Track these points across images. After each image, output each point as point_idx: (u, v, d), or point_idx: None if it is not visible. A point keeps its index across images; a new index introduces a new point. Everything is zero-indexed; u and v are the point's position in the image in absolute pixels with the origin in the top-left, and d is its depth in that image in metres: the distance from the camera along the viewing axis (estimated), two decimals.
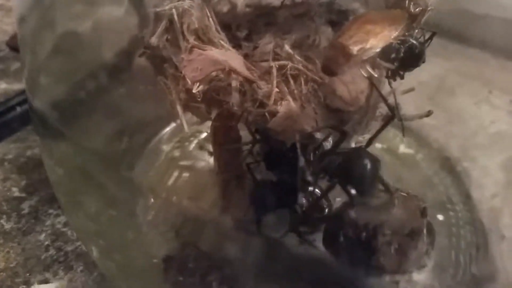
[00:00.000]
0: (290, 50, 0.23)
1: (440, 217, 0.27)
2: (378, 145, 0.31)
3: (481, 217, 0.28)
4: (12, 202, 0.31)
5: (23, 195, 0.32)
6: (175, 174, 0.28)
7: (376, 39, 0.18)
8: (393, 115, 0.21)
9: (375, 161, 0.20)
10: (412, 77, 0.31)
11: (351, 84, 0.23)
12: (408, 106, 0.29)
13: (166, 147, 0.30)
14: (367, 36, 0.18)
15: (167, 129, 0.30)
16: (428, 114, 0.25)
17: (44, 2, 0.25)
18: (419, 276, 0.22)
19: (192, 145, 0.30)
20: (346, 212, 0.21)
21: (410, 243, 0.21)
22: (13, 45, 0.48)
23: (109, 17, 0.28)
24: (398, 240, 0.20)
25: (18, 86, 0.41)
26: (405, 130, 0.32)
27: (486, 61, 0.31)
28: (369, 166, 0.19)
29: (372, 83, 0.21)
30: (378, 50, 0.19)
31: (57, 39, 0.25)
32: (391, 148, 0.31)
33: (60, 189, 0.26)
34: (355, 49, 0.18)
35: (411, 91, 0.27)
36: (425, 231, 0.22)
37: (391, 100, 0.24)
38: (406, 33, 0.20)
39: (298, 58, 0.23)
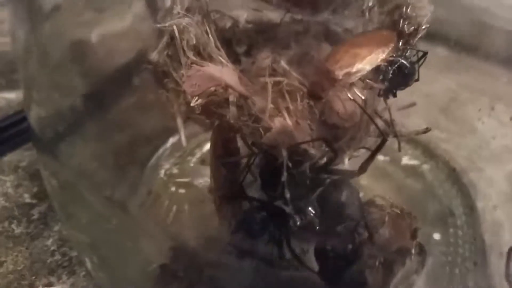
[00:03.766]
0: (286, 66, 0.24)
1: (437, 236, 0.28)
2: (380, 157, 0.32)
3: (482, 232, 0.28)
4: (23, 207, 0.33)
5: (34, 201, 0.33)
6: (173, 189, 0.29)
7: (362, 62, 0.19)
8: (384, 139, 0.21)
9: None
10: (425, 89, 0.31)
11: (347, 101, 0.24)
12: (419, 118, 0.30)
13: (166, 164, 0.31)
14: (354, 59, 0.19)
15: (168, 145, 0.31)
16: (426, 131, 0.25)
17: (36, 17, 0.26)
18: None
19: (193, 160, 0.31)
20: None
21: (396, 261, 0.21)
22: None
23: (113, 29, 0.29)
24: (384, 257, 0.21)
25: None
26: (413, 143, 0.33)
27: (498, 76, 0.31)
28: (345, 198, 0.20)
29: (360, 106, 0.21)
30: (364, 73, 0.19)
31: (48, 53, 0.26)
32: (394, 160, 0.32)
33: (55, 200, 0.27)
34: (340, 73, 0.19)
35: (412, 106, 0.27)
36: (413, 251, 0.22)
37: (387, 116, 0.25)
38: (395, 54, 0.20)
39: (294, 74, 0.24)
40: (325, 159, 0.23)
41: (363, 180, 0.30)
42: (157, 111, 0.27)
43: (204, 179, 0.29)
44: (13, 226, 0.31)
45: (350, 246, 0.21)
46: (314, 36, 0.26)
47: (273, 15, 0.27)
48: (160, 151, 0.31)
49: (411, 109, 0.33)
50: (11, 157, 0.36)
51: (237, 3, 0.28)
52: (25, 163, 0.36)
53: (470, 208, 0.29)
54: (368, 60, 0.19)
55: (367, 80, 0.21)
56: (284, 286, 0.23)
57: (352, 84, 0.20)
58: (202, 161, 0.31)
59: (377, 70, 0.20)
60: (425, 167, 0.31)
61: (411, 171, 0.31)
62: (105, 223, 0.23)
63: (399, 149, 0.25)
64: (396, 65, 0.20)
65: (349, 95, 0.20)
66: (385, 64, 0.20)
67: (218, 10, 0.26)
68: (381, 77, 0.20)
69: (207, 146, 0.30)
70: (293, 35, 0.26)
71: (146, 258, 0.23)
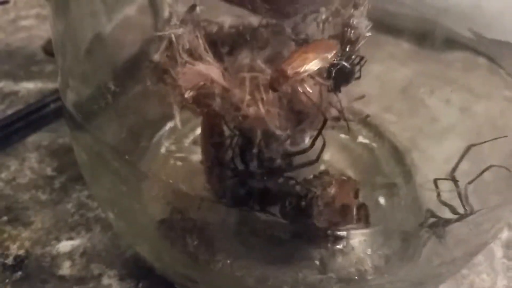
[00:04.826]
0: (261, 64, 0.30)
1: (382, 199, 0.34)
2: (342, 135, 0.39)
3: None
4: (46, 179, 0.39)
5: (55, 174, 0.39)
6: (172, 162, 0.36)
7: (309, 64, 0.25)
8: (325, 120, 0.27)
9: None
10: (386, 78, 0.37)
11: (309, 93, 0.30)
12: (377, 104, 0.37)
13: (166, 143, 0.37)
14: (303, 62, 0.25)
15: (167, 127, 0.37)
16: (366, 117, 0.32)
17: (69, 8, 0.30)
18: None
19: (188, 141, 0.38)
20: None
21: (339, 214, 0.28)
22: (47, 50, 0.55)
23: (124, 17, 0.33)
24: (329, 211, 0.27)
25: (51, 85, 0.49)
26: (369, 125, 0.40)
27: (451, 63, 0.37)
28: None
29: (310, 98, 0.28)
30: (310, 72, 0.26)
31: (80, 43, 0.31)
32: (352, 138, 0.38)
33: (85, 169, 0.32)
34: (291, 72, 0.25)
35: (362, 98, 0.34)
36: (355, 208, 0.29)
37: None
38: (337, 58, 0.27)
39: (268, 70, 0.30)
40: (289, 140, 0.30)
41: (326, 155, 0.37)
42: (156, 100, 0.33)
43: (197, 156, 0.35)
44: (39, 193, 0.38)
45: (303, 203, 0.28)
46: (284, 38, 0.32)
47: (253, 19, 0.32)
48: (160, 133, 0.38)
49: (371, 96, 0.40)
50: (34, 138, 0.43)
51: (223, 10, 0.34)
52: (46, 143, 0.42)
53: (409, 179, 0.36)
54: (314, 63, 0.26)
55: (316, 78, 0.27)
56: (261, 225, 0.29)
57: (302, 80, 0.27)
58: (194, 142, 0.37)
59: (324, 70, 0.27)
60: (374, 145, 0.38)
61: (364, 147, 0.38)
62: (122, 186, 0.30)
63: (348, 131, 0.32)
64: (338, 67, 0.27)
65: (301, 89, 0.27)
66: (329, 66, 0.27)
67: (206, 19, 0.33)
68: (325, 75, 0.27)
69: (198, 130, 0.36)
70: (268, 37, 0.32)
71: (151, 214, 0.30)
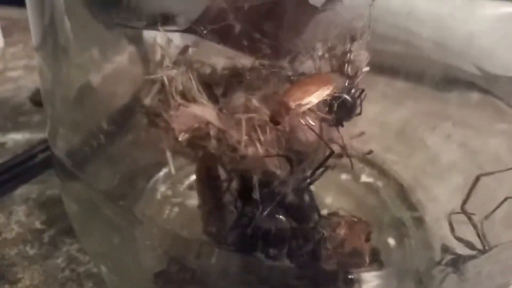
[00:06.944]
0: (256, 104, 0.29)
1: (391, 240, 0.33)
2: (343, 176, 0.38)
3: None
4: (34, 233, 0.37)
5: (44, 227, 0.38)
6: (168, 208, 0.34)
7: (311, 96, 0.24)
8: (331, 152, 0.26)
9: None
10: (382, 119, 0.37)
11: (309, 131, 0.29)
12: (376, 144, 0.36)
13: (161, 188, 0.36)
14: (304, 94, 0.24)
15: (161, 173, 0.37)
16: (369, 152, 0.31)
17: (58, 58, 0.30)
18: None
19: (183, 186, 0.36)
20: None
21: (350, 259, 0.26)
22: (35, 100, 0.54)
23: (115, 67, 0.34)
24: (338, 255, 0.26)
25: (40, 135, 0.47)
26: (371, 164, 0.39)
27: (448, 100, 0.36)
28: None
29: (313, 130, 0.27)
30: (312, 104, 0.25)
31: (69, 92, 0.31)
32: (354, 178, 0.37)
33: (76, 220, 0.31)
34: (293, 104, 0.24)
35: (362, 135, 0.33)
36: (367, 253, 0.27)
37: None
38: (338, 92, 0.26)
39: (264, 110, 0.29)
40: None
41: (328, 198, 0.36)
42: (149, 147, 0.33)
43: (193, 201, 0.34)
44: (27, 248, 0.36)
45: (311, 246, 0.26)
46: (279, 78, 0.31)
47: (245, 61, 0.32)
48: (154, 178, 0.36)
49: (369, 136, 0.39)
50: (21, 191, 0.41)
51: (215, 51, 0.33)
52: (34, 195, 0.40)
53: (418, 220, 0.34)
54: (316, 94, 0.25)
55: (317, 112, 0.26)
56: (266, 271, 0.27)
57: (304, 114, 0.26)
58: (190, 187, 0.36)
59: (325, 104, 0.26)
60: (379, 183, 0.37)
61: (368, 187, 0.37)
62: (115, 236, 0.28)
63: (352, 167, 0.30)
64: (340, 100, 0.26)
65: (304, 122, 0.26)
66: (331, 99, 0.26)
67: (199, 60, 0.32)
68: (327, 109, 0.26)
69: (193, 176, 0.35)
70: (262, 77, 0.31)
71: (146, 267, 0.28)
